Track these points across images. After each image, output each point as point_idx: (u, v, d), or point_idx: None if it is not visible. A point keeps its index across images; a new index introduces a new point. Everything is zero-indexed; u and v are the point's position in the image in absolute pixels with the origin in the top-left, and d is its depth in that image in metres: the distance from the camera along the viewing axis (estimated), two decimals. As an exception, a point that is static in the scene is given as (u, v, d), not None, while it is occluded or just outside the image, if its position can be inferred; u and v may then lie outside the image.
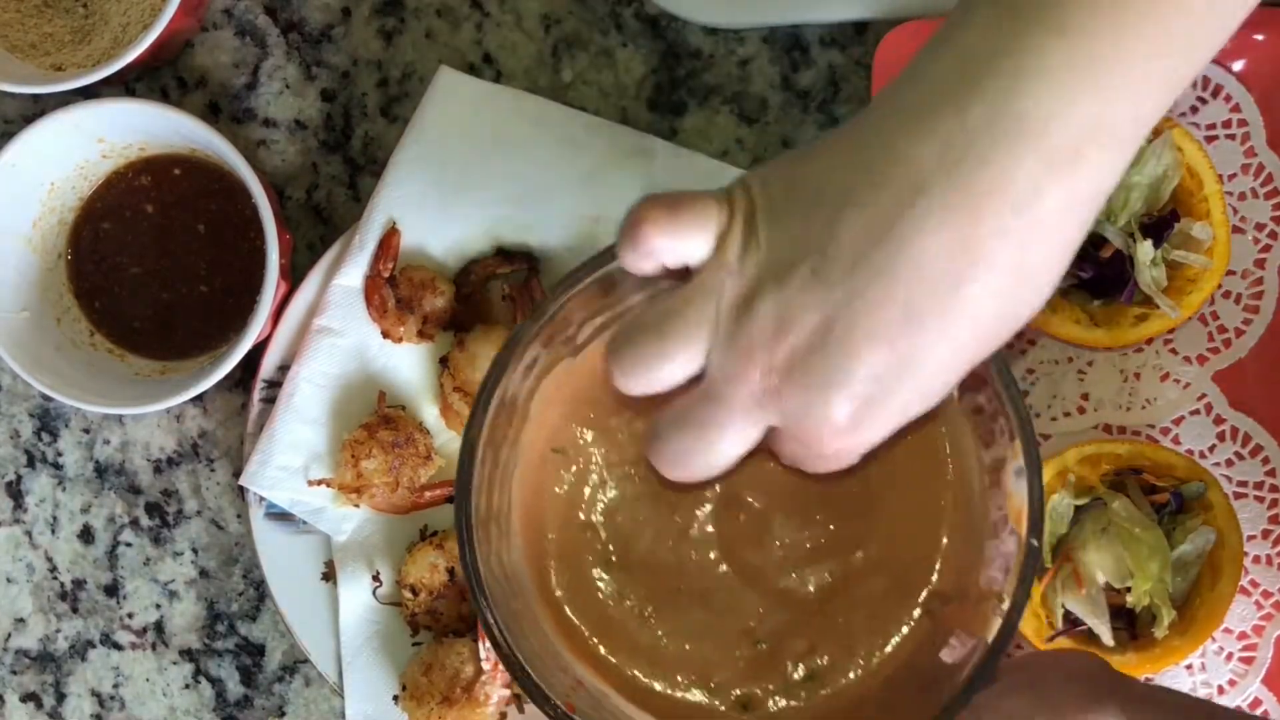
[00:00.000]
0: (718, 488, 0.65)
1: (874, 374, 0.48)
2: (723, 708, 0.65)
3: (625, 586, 0.65)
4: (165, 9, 0.71)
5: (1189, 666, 0.74)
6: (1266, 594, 0.74)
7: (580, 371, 0.64)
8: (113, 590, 0.80)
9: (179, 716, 0.80)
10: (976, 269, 0.46)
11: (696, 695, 0.65)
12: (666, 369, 0.51)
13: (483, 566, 0.60)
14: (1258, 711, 0.74)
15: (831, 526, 0.65)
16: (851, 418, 0.49)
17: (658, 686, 0.65)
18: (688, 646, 0.65)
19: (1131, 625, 0.72)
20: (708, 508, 0.65)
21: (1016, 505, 0.60)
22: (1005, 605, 0.60)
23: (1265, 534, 0.75)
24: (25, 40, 0.77)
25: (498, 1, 0.78)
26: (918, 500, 0.65)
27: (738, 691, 0.65)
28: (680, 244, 0.50)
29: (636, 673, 0.65)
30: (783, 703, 0.65)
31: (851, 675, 0.65)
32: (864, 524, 0.65)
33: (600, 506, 0.65)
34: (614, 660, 0.65)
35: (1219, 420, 0.75)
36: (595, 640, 0.65)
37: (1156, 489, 0.72)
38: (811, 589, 0.65)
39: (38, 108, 0.79)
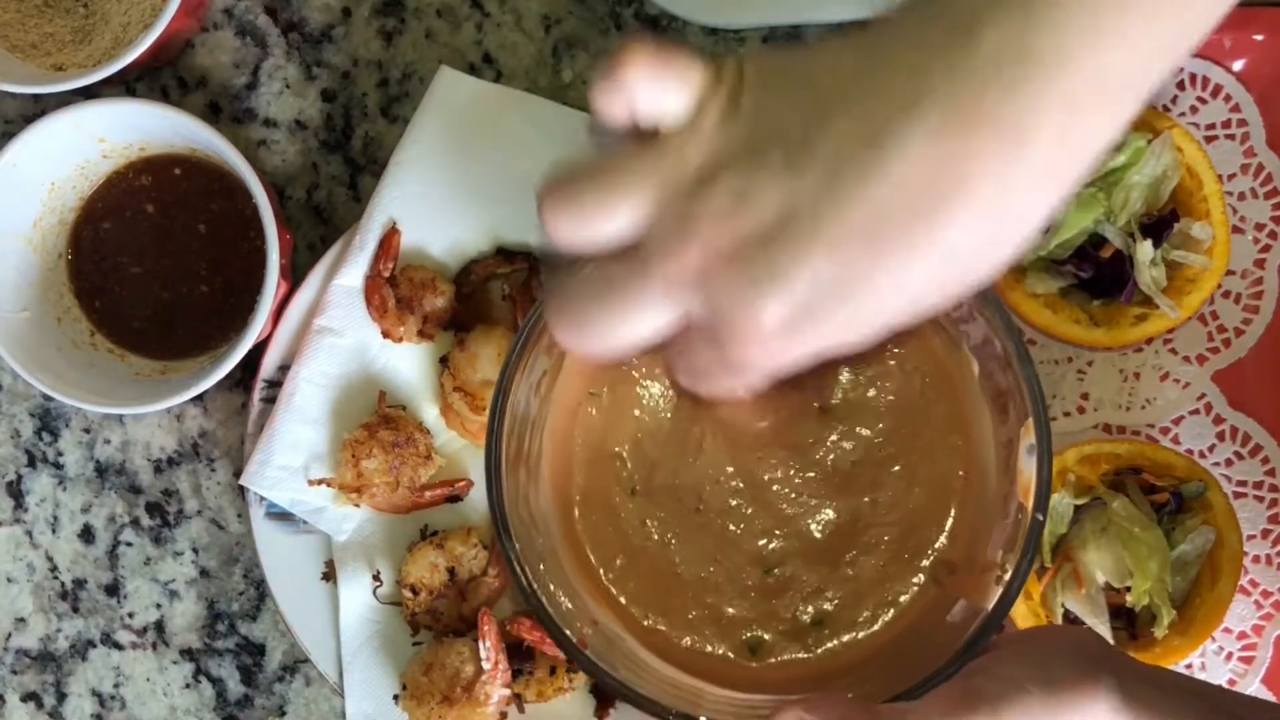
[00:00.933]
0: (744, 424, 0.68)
1: (819, 283, 0.44)
2: (731, 654, 0.67)
3: (646, 512, 0.68)
4: (166, 9, 0.71)
5: (1189, 666, 0.74)
6: (1266, 594, 0.74)
7: None
8: (113, 590, 0.80)
9: (179, 716, 0.80)
10: (956, 197, 0.44)
11: (708, 638, 0.68)
12: (601, 221, 0.47)
13: (508, 506, 0.63)
14: (1257, 711, 0.74)
15: (849, 476, 0.68)
16: (780, 324, 0.45)
17: (670, 631, 0.68)
18: (703, 574, 0.68)
19: (1131, 625, 0.72)
20: (730, 441, 0.68)
21: (1025, 481, 0.61)
22: (1007, 575, 0.61)
23: (1265, 534, 0.75)
24: (26, 40, 0.77)
25: (498, 2, 0.78)
26: (935, 468, 0.68)
27: (747, 634, 0.68)
28: (658, 89, 0.47)
29: (651, 618, 0.68)
30: (789, 654, 0.67)
31: (858, 632, 0.68)
32: (880, 480, 0.68)
33: (628, 438, 0.69)
34: (629, 602, 0.68)
35: (1218, 420, 0.75)
36: (613, 579, 0.68)
37: (1156, 489, 0.72)
38: (823, 529, 0.68)
39: (38, 108, 0.79)
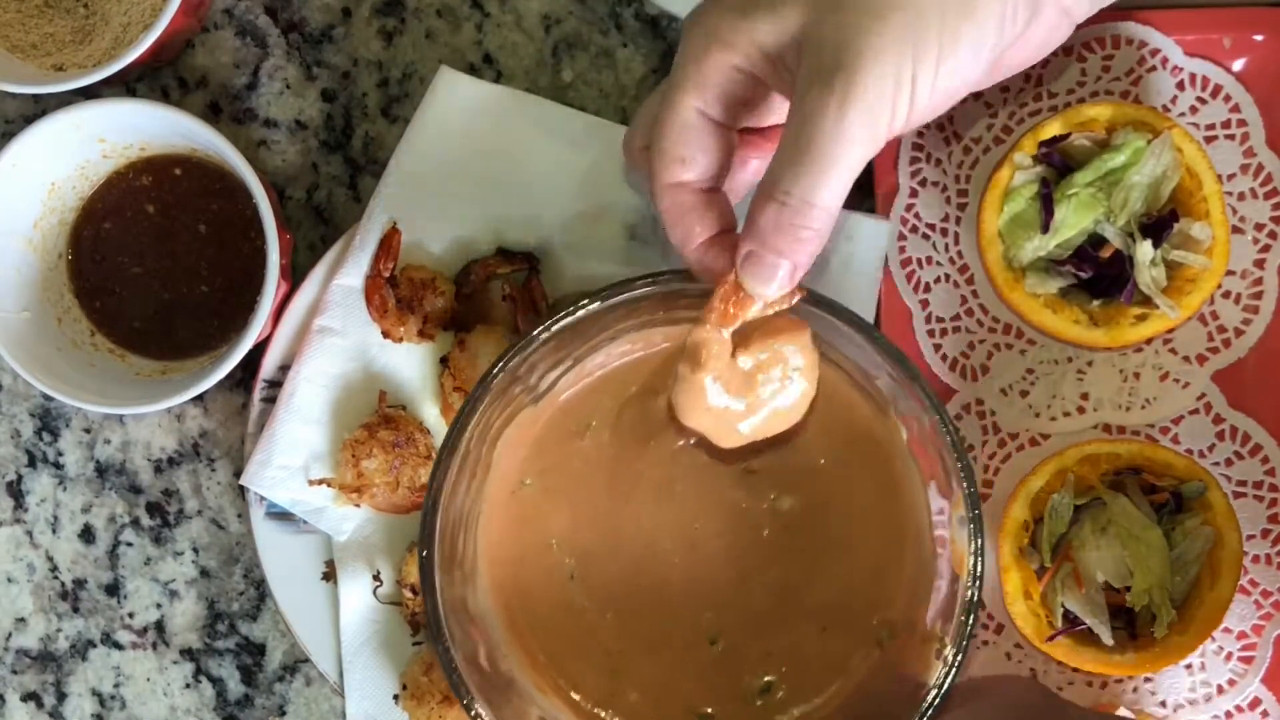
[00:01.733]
0: (676, 491, 0.68)
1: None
2: None
3: (586, 596, 0.68)
4: (166, 9, 0.71)
5: (1189, 666, 0.74)
6: (1266, 593, 0.74)
7: (543, 413, 0.68)
8: (113, 590, 0.80)
9: (180, 716, 0.80)
10: None
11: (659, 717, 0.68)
12: None
13: (444, 610, 0.63)
14: (1257, 711, 0.74)
15: (784, 542, 0.68)
16: None
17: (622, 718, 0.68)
18: (648, 650, 0.68)
19: (1131, 625, 0.72)
20: (663, 514, 0.68)
21: (958, 552, 0.62)
22: (948, 652, 0.62)
23: (1265, 534, 0.75)
24: (26, 40, 0.77)
25: (498, 2, 0.78)
26: (868, 533, 0.68)
27: (697, 713, 0.68)
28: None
29: (602, 709, 0.68)
30: None
31: (807, 701, 0.68)
32: (815, 545, 0.68)
33: (561, 526, 0.69)
34: (579, 694, 0.68)
35: (1218, 420, 0.75)
36: (559, 670, 0.68)
37: (1156, 489, 0.72)
38: (764, 596, 0.68)
39: (38, 108, 0.79)
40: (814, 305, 0.61)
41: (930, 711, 0.62)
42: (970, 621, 0.61)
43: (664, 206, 0.61)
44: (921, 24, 0.54)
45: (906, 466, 0.67)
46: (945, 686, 0.61)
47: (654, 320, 0.66)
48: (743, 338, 0.62)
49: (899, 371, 0.62)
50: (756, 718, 0.68)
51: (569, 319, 0.63)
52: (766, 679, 0.68)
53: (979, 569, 0.61)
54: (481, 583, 0.68)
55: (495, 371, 0.63)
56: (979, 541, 0.61)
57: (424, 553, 0.63)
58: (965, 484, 0.61)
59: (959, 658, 0.61)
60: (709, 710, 0.68)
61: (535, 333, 0.63)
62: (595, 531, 0.69)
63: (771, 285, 0.58)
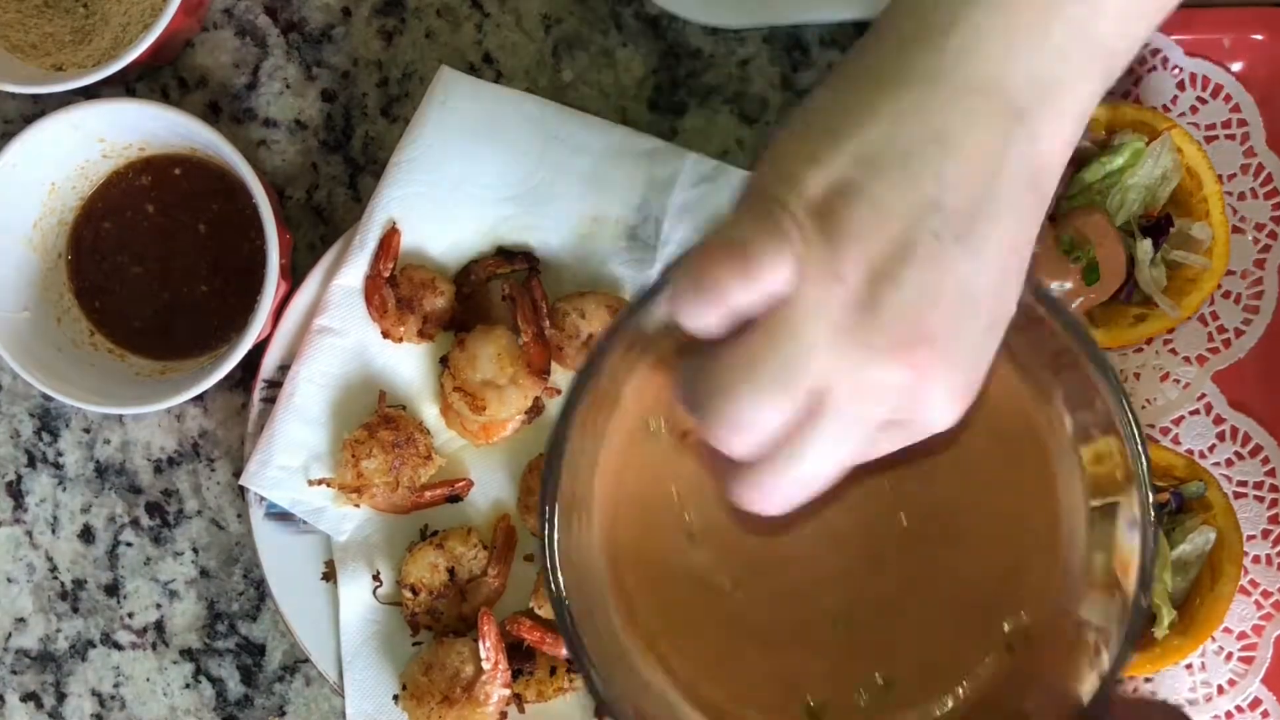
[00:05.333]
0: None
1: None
2: None
3: (703, 558, 0.63)
4: (166, 9, 0.71)
5: (1189, 666, 0.74)
6: (1266, 594, 0.74)
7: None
8: (113, 590, 0.80)
9: (179, 716, 0.80)
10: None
11: (767, 708, 0.63)
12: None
13: (560, 558, 0.58)
14: (1257, 712, 0.74)
15: (926, 527, 0.63)
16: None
17: (727, 701, 0.63)
18: (765, 625, 0.63)
19: (1131, 625, 0.72)
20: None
21: (1124, 557, 0.58)
22: (1105, 662, 0.57)
23: (1265, 534, 0.75)
24: (26, 40, 0.77)
25: (498, 1, 0.78)
26: (1016, 530, 0.63)
27: (811, 700, 0.62)
28: (752, 286, 0.47)
29: (706, 685, 0.63)
30: None
31: (928, 704, 0.62)
32: (957, 536, 0.63)
33: (687, 481, 0.63)
34: (682, 664, 0.63)
35: (1219, 420, 0.75)
36: (666, 637, 0.63)
37: (1156, 489, 0.72)
38: (895, 581, 0.63)
39: (38, 108, 0.79)
40: None
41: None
42: (1136, 631, 0.56)
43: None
44: None
45: (1067, 463, 0.61)
46: (1099, 702, 0.56)
47: None
48: None
49: (1077, 345, 0.57)
50: (870, 717, 0.63)
51: None
52: (886, 674, 0.62)
53: (1150, 573, 0.56)
54: (594, 533, 0.63)
55: (660, 286, 0.55)
56: (1153, 542, 0.56)
57: (548, 493, 0.58)
58: (1140, 478, 0.56)
59: (1117, 671, 0.56)
60: (820, 701, 0.63)
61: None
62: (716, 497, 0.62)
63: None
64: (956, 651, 0.63)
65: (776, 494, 0.50)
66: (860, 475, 0.60)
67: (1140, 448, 0.56)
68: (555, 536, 0.58)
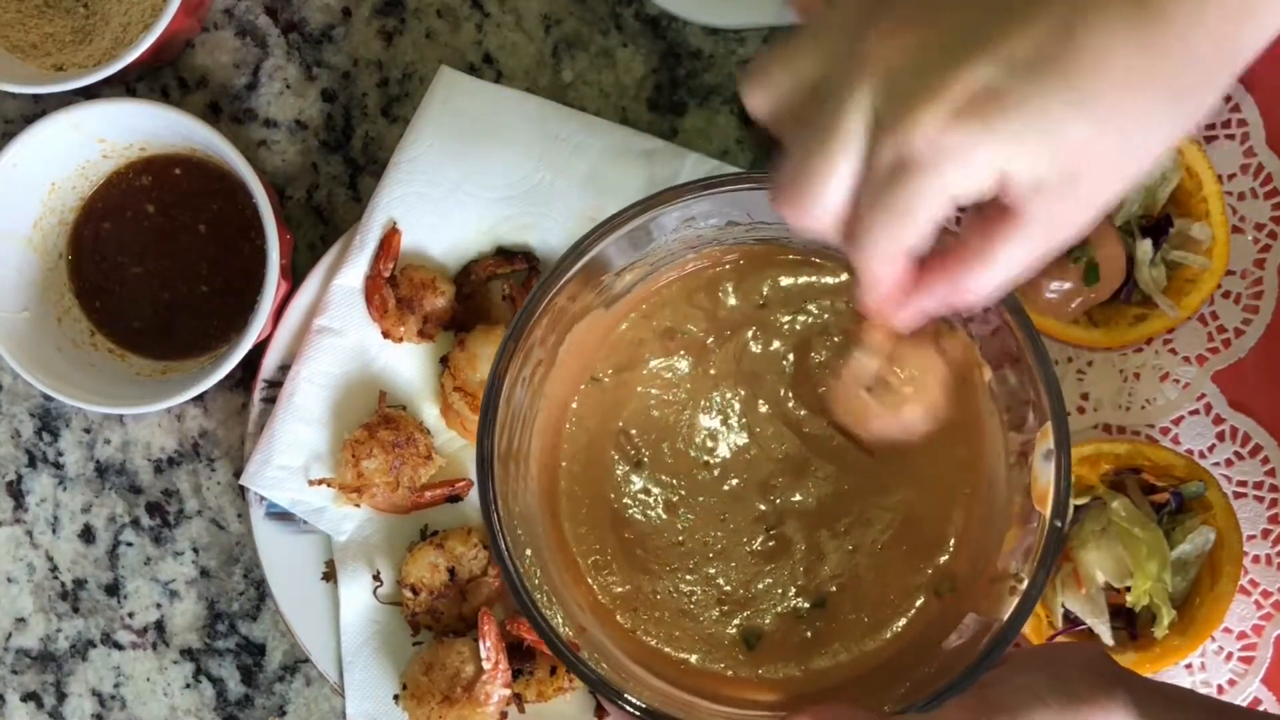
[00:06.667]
0: (760, 407, 0.69)
1: (1009, 60, 0.45)
2: (723, 664, 0.67)
3: (650, 482, 0.69)
4: (166, 9, 0.71)
5: (1189, 666, 0.74)
6: (1266, 594, 0.74)
7: (620, 314, 0.68)
8: (113, 590, 0.80)
9: (180, 716, 0.80)
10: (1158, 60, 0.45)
11: (702, 638, 0.68)
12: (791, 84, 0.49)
13: (499, 503, 0.62)
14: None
15: (857, 457, 0.68)
16: (964, 97, 0.45)
17: (661, 643, 0.68)
18: (705, 539, 0.68)
19: (1131, 625, 0.72)
20: (740, 415, 0.69)
21: (1042, 488, 0.60)
22: (1023, 585, 0.60)
23: (1265, 534, 0.75)
24: (26, 40, 0.77)
25: (498, 2, 0.78)
26: (939, 475, 0.67)
27: (743, 622, 0.67)
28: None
29: (641, 625, 0.68)
30: (784, 665, 0.67)
31: (856, 641, 0.67)
32: (884, 481, 0.67)
33: (637, 412, 0.69)
34: (617, 606, 0.68)
35: (1218, 420, 0.75)
36: (600, 578, 0.68)
37: (1156, 489, 0.72)
38: (828, 499, 0.68)
39: (38, 108, 0.79)
40: None
41: (1000, 645, 0.59)
42: (1052, 555, 0.59)
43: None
44: None
45: (986, 410, 0.65)
46: (1018, 617, 0.59)
47: (736, 234, 0.66)
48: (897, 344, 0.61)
49: (998, 300, 0.59)
50: (804, 652, 0.67)
51: (655, 206, 0.62)
52: (822, 586, 0.67)
53: (1066, 501, 0.59)
54: (530, 484, 0.68)
55: (573, 260, 0.62)
56: (1066, 469, 0.59)
57: (484, 444, 0.62)
58: (1056, 411, 0.59)
59: (1035, 591, 0.59)
60: (760, 623, 0.68)
61: (613, 217, 0.62)
62: (675, 415, 0.69)
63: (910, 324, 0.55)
64: (885, 590, 0.67)
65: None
66: (806, 409, 0.67)
67: (1054, 380, 0.59)
68: (494, 488, 0.62)
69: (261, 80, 0.79)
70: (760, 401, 0.69)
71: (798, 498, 0.69)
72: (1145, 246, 0.71)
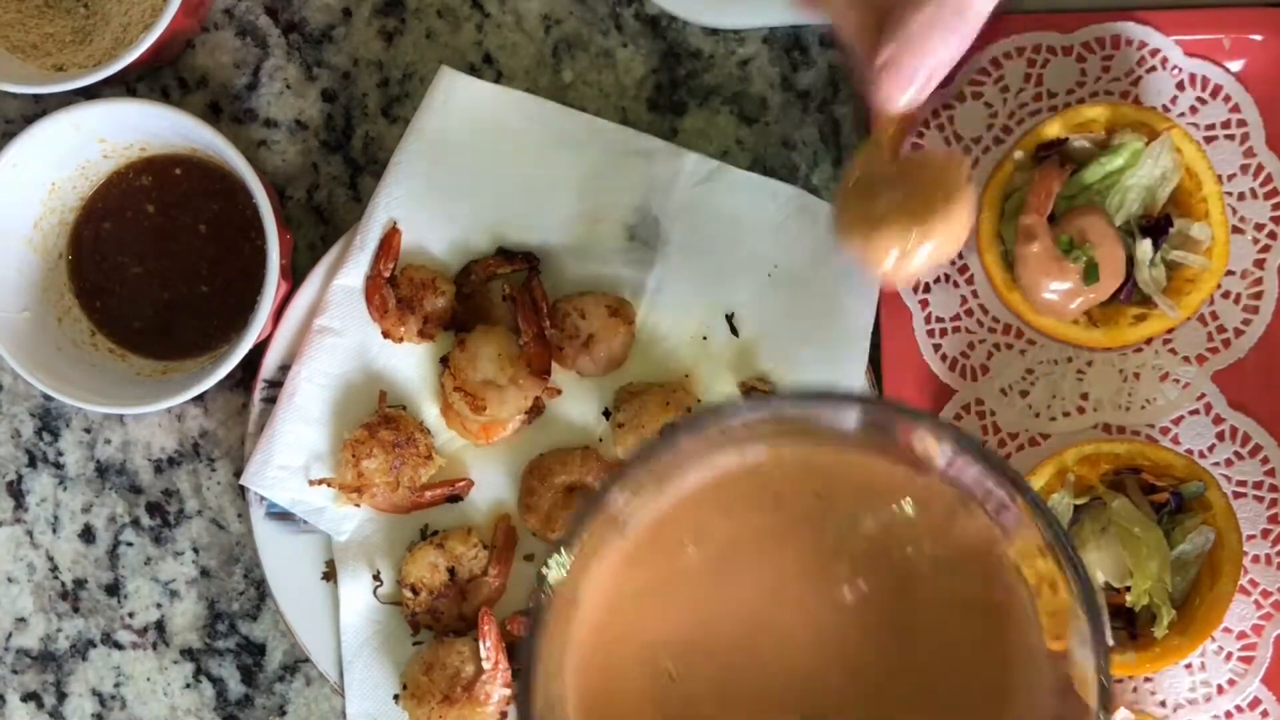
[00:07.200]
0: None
1: None
2: None
3: (687, 692, 0.63)
4: (166, 9, 0.71)
5: (1188, 666, 0.74)
6: (1266, 593, 0.74)
7: (632, 537, 0.62)
8: (114, 590, 0.80)
9: (180, 716, 0.80)
10: None
11: None
12: None
13: None
14: (1257, 711, 0.74)
15: (890, 685, 0.63)
16: None
17: None
18: None
19: (1131, 625, 0.72)
20: (758, 596, 0.63)
21: (1081, 674, 0.57)
22: None
23: (1265, 534, 0.75)
24: (26, 40, 0.77)
25: (498, 2, 0.78)
26: (978, 678, 0.62)
27: None
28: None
29: None
30: None
31: None
32: (921, 689, 0.63)
33: (659, 629, 0.63)
34: None
35: (1218, 420, 0.75)
36: None
37: (1156, 489, 0.72)
38: (861, 703, 0.62)
39: (38, 108, 0.79)
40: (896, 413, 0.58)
41: None
42: None
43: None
44: None
45: (1014, 582, 0.61)
46: None
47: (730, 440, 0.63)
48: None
49: (1005, 483, 0.57)
50: None
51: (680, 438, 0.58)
52: None
53: (1108, 695, 0.56)
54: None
55: (590, 512, 0.58)
56: (1105, 663, 0.56)
57: (525, 708, 0.58)
58: (1086, 603, 0.55)
59: None
60: None
61: (634, 461, 0.58)
62: (694, 627, 0.64)
63: (908, 93, 0.59)
64: None
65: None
66: (843, 600, 0.61)
67: (1077, 567, 0.55)
68: None
69: (262, 80, 0.79)
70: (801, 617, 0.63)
71: (830, 692, 0.62)
72: (1145, 246, 0.71)
